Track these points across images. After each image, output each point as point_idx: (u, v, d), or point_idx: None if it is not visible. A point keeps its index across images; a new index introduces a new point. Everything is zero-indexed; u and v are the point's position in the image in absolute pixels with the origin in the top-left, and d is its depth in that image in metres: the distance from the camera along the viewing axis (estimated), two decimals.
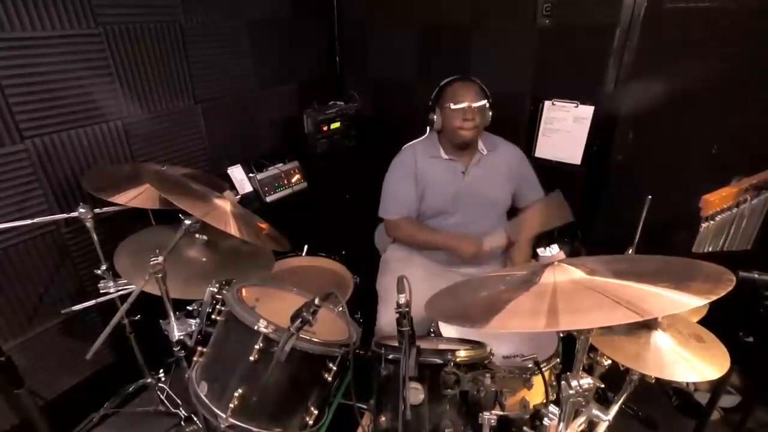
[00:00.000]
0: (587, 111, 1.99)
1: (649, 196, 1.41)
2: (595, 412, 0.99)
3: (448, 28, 2.25)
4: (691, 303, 0.76)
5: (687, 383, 1.86)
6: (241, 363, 1.10)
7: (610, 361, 1.23)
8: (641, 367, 1.11)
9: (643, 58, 1.81)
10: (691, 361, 1.10)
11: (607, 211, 2.09)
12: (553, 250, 0.99)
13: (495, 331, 1.36)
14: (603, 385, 1.16)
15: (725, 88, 1.68)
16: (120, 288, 1.56)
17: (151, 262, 1.16)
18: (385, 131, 2.55)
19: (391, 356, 1.13)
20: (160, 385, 1.85)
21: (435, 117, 1.70)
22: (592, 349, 1.21)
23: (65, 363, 1.76)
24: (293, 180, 2.37)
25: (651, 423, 1.81)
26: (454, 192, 1.74)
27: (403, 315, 0.96)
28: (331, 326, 1.28)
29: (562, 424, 0.98)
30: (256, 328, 1.07)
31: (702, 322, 1.24)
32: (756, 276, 1.13)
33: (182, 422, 1.71)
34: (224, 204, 1.40)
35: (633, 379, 1.26)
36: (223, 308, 1.21)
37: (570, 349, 1.03)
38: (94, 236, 1.51)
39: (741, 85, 1.67)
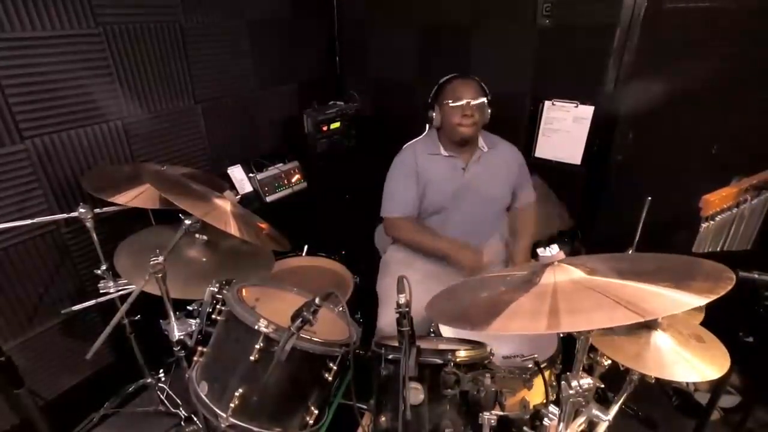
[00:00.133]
0: (587, 111, 1.99)
1: (649, 197, 1.41)
2: (595, 412, 0.99)
3: (448, 28, 2.25)
4: (692, 302, 0.75)
5: (687, 383, 1.86)
6: (242, 363, 1.10)
7: (610, 361, 1.23)
8: (641, 367, 1.11)
9: (643, 58, 1.81)
10: (691, 361, 1.10)
11: (607, 211, 2.09)
12: (553, 250, 0.99)
13: (495, 332, 1.36)
14: (603, 385, 1.16)
15: (725, 88, 1.68)
16: (120, 288, 1.56)
17: (151, 262, 1.16)
18: (385, 131, 2.55)
19: (391, 356, 1.13)
20: (160, 385, 1.85)
21: (434, 114, 1.71)
22: (592, 349, 1.21)
23: (65, 363, 1.76)
24: (293, 180, 2.37)
25: (651, 423, 1.81)
26: (454, 189, 1.74)
27: (403, 315, 0.96)
28: (331, 326, 1.28)
29: (562, 424, 0.98)
30: (256, 327, 1.07)
31: (702, 322, 1.24)
32: (756, 276, 1.13)
33: (182, 422, 1.71)
34: (224, 204, 1.40)
35: (633, 379, 1.26)
36: (223, 308, 1.21)
37: (570, 349, 1.03)
38: (94, 236, 1.51)
39: (741, 85, 1.67)
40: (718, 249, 1.48)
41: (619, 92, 1.90)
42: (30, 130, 1.50)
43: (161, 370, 1.88)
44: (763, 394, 1.72)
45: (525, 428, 1.09)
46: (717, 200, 1.38)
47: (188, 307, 1.37)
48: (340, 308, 1.34)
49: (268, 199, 2.25)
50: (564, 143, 2.09)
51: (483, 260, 1.62)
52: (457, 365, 1.08)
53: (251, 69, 2.21)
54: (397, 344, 1.02)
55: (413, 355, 0.96)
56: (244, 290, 1.24)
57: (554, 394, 1.21)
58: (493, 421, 1.06)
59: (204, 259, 1.47)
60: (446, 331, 1.44)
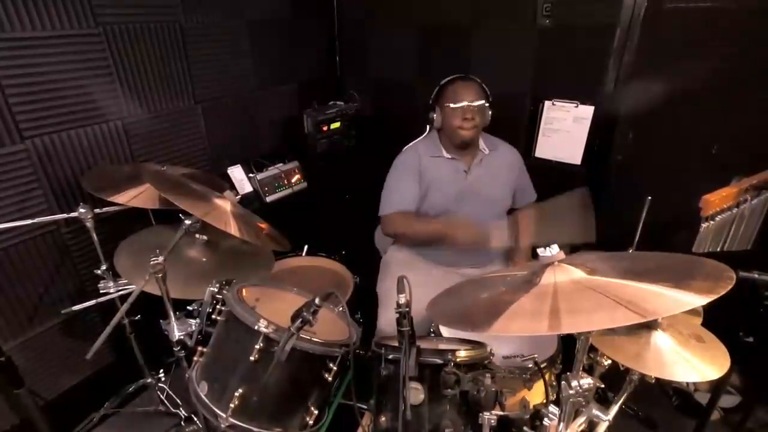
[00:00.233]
0: (587, 111, 1.99)
1: (649, 197, 1.41)
2: (595, 412, 0.99)
3: (448, 28, 2.25)
4: (693, 302, 0.75)
5: (687, 383, 1.86)
6: (242, 363, 1.10)
7: (610, 361, 1.23)
8: (641, 367, 1.11)
9: (643, 58, 1.81)
10: (691, 361, 1.10)
11: (607, 211, 2.07)
12: (553, 250, 0.99)
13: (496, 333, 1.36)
14: (603, 385, 1.17)
15: (725, 88, 1.68)
16: (120, 288, 1.56)
17: (151, 262, 1.16)
18: (385, 131, 2.55)
19: (391, 356, 1.13)
20: (160, 385, 1.85)
21: (435, 116, 1.71)
22: (592, 349, 1.21)
23: (65, 363, 1.76)
24: (293, 180, 2.37)
25: (651, 423, 1.81)
26: (456, 191, 1.74)
27: (403, 315, 0.96)
28: (331, 326, 1.28)
29: (562, 424, 0.98)
30: (256, 328, 1.07)
31: (702, 322, 1.24)
32: (756, 276, 1.13)
33: (182, 422, 1.71)
34: (224, 204, 1.40)
35: (633, 379, 1.26)
36: (223, 308, 1.21)
37: (570, 349, 1.03)
38: (94, 236, 1.51)
39: (741, 85, 1.67)
40: (718, 249, 1.48)
41: (619, 92, 1.90)
42: (30, 130, 1.49)
43: (161, 370, 1.88)
44: (763, 394, 1.72)
45: (525, 428, 1.09)
46: (717, 200, 1.38)
47: (188, 307, 1.37)
48: (340, 308, 1.34)
49: (268, 199, 2.25)
50: (564, 143, 2.09)
51: (479, 230, 1.55)
52: (457, 365, 1.08)
53: (251, 69, 2.21)
54: (397, 344, 1.02)
55: (413, 355, 0.96)
56: (244, 290, 1.24)
57: (554, 394, 1.21)
58: (493, 421, 1.06)
59: (204, 259, 1.47)
60: (446, 331, 1.44)
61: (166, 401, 1.82)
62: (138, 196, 1.51)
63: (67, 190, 1.62)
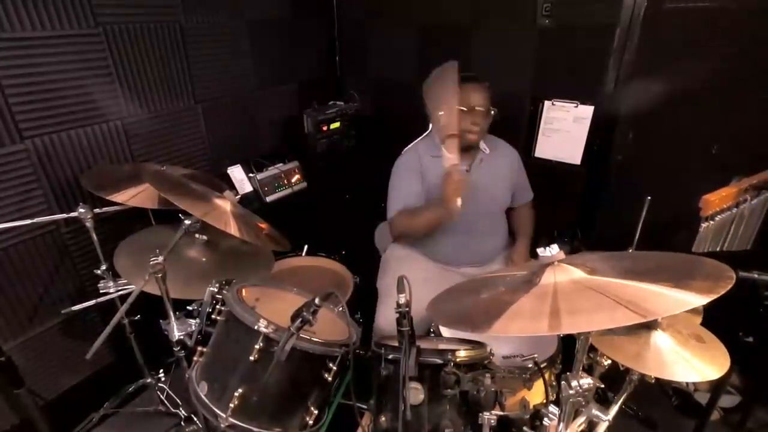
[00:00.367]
0: (587, 111, 1.99)
1: (649, 197, 1.41)
2: (595, 412, 0.99)
3: (448, 28, 2.25)
4: (693, 302, 0.76)
5: (687, 383, 1.86)
6: (242, 363, 1.10)
7: (610, 361, 1.23)
8: (641, 367, 1.11)
9: (643, 58, 1.81)
10: (691, 361, 1.10)
11: (607, 211, 2.09)
12: (553, 250, 0.99)
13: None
14: (603, 385, 1.17)
15: (725, 88, 1.68)
16: (120, 288, 1.56)
17: (151, 262, 1.16)
18: (385, 131, 2.55)
19: (391, 356, 1.13)
20: (160, 385, 1.85)
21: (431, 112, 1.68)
22: (592, 349, 1.22)
23: (65, 363, 1.76)
24: (293, 180, 2.37)
25: (651, 423, 1.81)
26: None
27: (403, 315, 0.96)
28: (331, 326, 1.28)
29: (562, 424, 0.98)
30: (256, 327, 1.07)
31: (702, 322, 1.24)
32: (756, 276, 1.13)
33: (182, 422, 1.71)
34: (224, 204, 1.40)
35: (633, 379, 1.26)
36: (223, 308, 1.21)
37: (570, 349, 1.03)
38: (94, 236, 1.51)
39: (741, 85, 1.67)
40: (718, 249, 1.48)
41: (619, 92, 1.90)
42: (30, 130, 1.49)
43: (161, 370, 1.88)
44: (763, 394, 1.73)
45: (525, 428, 1.09)
46: (717, 200, 1.38)
47: (188, 307, 1.37)
48: (340, 308, 1.34)
49: (268, 199, 2.25)
50: (564, 143, 2.09)
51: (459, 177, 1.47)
52: (457, 365, 1.08)
53: (251, 69, 2.21)
54: (396, 344, 1.02)
55: (413, 355, 0.96)
56: (244, 290, 1.24)
57: (554, 394, 1.21)
58: (493, 421, 1.06)
59: (204, 259, 1.47)
60: (446, 330, 1.44)
61: (166, 401, 1.82)
62: (137, 196, 1.51)
63: (66, 190, 1.62)
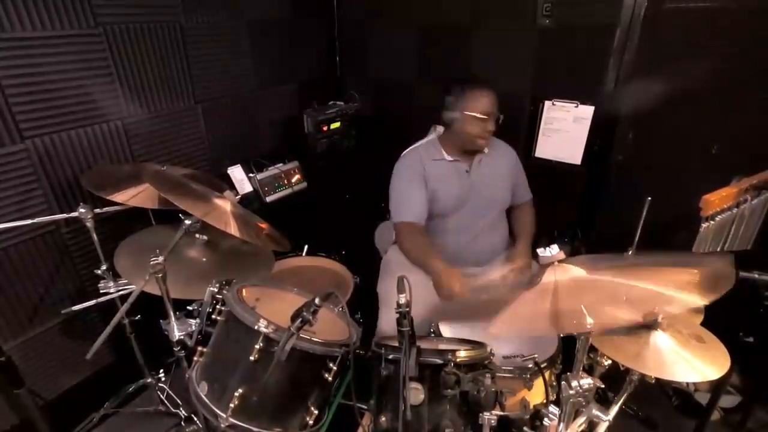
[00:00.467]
0: (587, 111, 1.99)
1: (649, 197, 1.41)
2: (595, 412, 0.99)
3: (448, 28, 2.25)
4: (693, 302, 0.76)
5: (687, 383, 1.86)
6: (242, 363, 1.10)
7: (610, 361, 1.23)
8: (641, 367, 1.11)
9: (643, 58, 1.81)
10: (691, 361, 1.10)
11: (607, 211, 2.09)
12: (553, 250, 0.99)
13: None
14: (603, 385, 1.16)
15: (725, 88, 1.68)
16: (120, 288, 1.56)
17: (151, 262, 1.16)
18: (385, 131, 2.56)
19: (391, 356, 1.13)
20: (160, 385, 1.85)
21: (453, 117, 1.67)
22: (592, 349, 1.21)
23: (65, 363, 1.76)
24: (293, 180, 2.37)
25: (651, 423, 1.81)
26: (459, 192, 1.74)
27: (403, 315, 0.96)
28: (331, 326, 1.28)
29: (562, 424, 0.98)
30: (256, 328, 1.07)
31: (702, 322, 1.24)
32: (756, 276, 1.13)
33: (182, 422, 1.71)
34: (224, 204, 1.40)
35: (633, 379, 1.26)
36: (223, 308, 1.21)
37: (570, 349, 1.03)
38: (94, 236, 1.51)
39: (741, 85, 1.67)
40: (718, 249, 1.48)
41: (619, 92, 1.90)
42: (30, 130, 1.49)
43: (161, 370, 1.88)
44: (763, 394, 1.72)
45: (525, 428, 1.09)
46: (717, 200, 1.38)
47: (188, 307, 1.37)
48: (340, 308, 1.34)
49: (268, 199, 2.25)
50: (564, 143, 2.09)
51: (459, 291, 1.46)
52: (457, 365, 1.08)
53: (251, 69, 2.21)
54: (397, 344, 1.02)
55: (413, 355, 0.96)
56: (244, 290, 1.24)
57: (554, 394, 1.21)
58: (493, 421, 1.06)
59: (204, 259, 1.47)
60: (446, 331, 1.44)
61: (166, 401, 1.82)
62: (138, 196, 1.51)
63: (67, 190, 1.62)
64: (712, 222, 1.40)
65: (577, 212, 2.14)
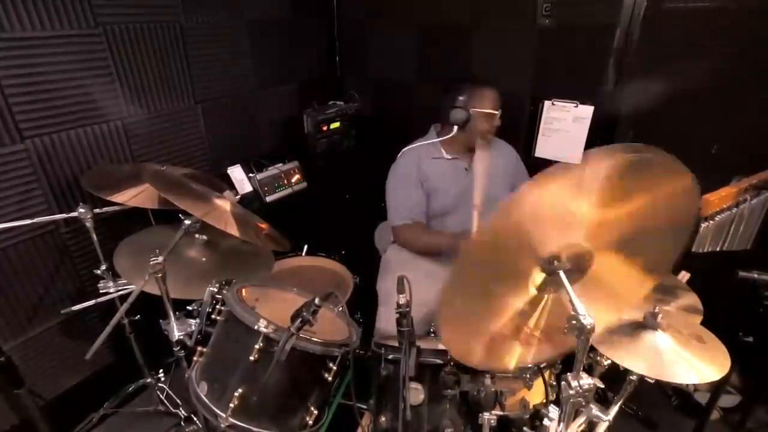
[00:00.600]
0: (587, 111, 1.99)
1: None
2: (595, 412, 0.99)
3: (448, 28, 2.24)
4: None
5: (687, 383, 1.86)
6: (241, 363, 1.10)
7: (610, 361, 1.23)
8: (641, 368, 1.11)
9: (643, 58, 1.80)
10: (691, 362, 1.09)
11: None
12: None
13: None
14: (603, 385, 1.16)
15: (725, 88, 1.68)
16: (120, 288, 1.56)
17: (151, 262, 1.16)
18: (385, 131, 2.55)
19: (391, 356, 1.13)
20: (160, 385, 1.85)
21: (464, 115, 1.67)
22: (592, 349, 1.21)
23: (65, 363, 1.76)
24: (293, 180, 2.37)
25: (651, 423, 1.81)
26: (459, 191, 1.74)
27: (403, 315, 0.96)
28: (331, 326, 1.28)
29: (562, 424, 0.98)
30: (256, 327, 1.07)
31: (702, 322, 1.24)
32: (756, 276, 1.13)
33: (182, 422, 1.71)
34: (224, 204, 1.40)
35: (633, 379, 1.26)
36: (223, 308, 1.21)
37: None
38: (94, 236, 1.51)
39: (741, 85, 1.67)
40: (718, 249, 1.48)
41: (619, 92, 1.89)
42: (30, 130, 1.49)
43: (161, 370, 1.88)
44: (763, 394, 1.73)
45: (525, 428, 1.09)
46: (717, 200, 1.38)
47: (188, 307, 1.37)
48: (340, 308, 1.34)
49: (268, 199, 2.25)
50: (564, 143, 2.09)
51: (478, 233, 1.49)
52: (457, 365, 1.08)
53: (251, 69, 2.21)
54: (396, 344, 1.02)
55: (413, 355, 0.96)
56: (243, 290, 1.24)
57: (554, 394, 1.21)
58: (493, 421, 1.06)
59: (204, 259, 1.47)
60: None
61: (165, 401, 1.82)
62: (137, 196, 1.51)
63: (66, 190, 1.62)
64: (711, 222, 1.40)
65: None
